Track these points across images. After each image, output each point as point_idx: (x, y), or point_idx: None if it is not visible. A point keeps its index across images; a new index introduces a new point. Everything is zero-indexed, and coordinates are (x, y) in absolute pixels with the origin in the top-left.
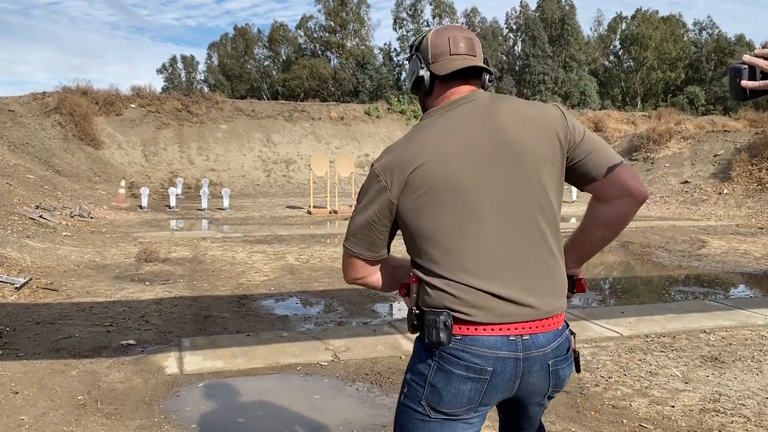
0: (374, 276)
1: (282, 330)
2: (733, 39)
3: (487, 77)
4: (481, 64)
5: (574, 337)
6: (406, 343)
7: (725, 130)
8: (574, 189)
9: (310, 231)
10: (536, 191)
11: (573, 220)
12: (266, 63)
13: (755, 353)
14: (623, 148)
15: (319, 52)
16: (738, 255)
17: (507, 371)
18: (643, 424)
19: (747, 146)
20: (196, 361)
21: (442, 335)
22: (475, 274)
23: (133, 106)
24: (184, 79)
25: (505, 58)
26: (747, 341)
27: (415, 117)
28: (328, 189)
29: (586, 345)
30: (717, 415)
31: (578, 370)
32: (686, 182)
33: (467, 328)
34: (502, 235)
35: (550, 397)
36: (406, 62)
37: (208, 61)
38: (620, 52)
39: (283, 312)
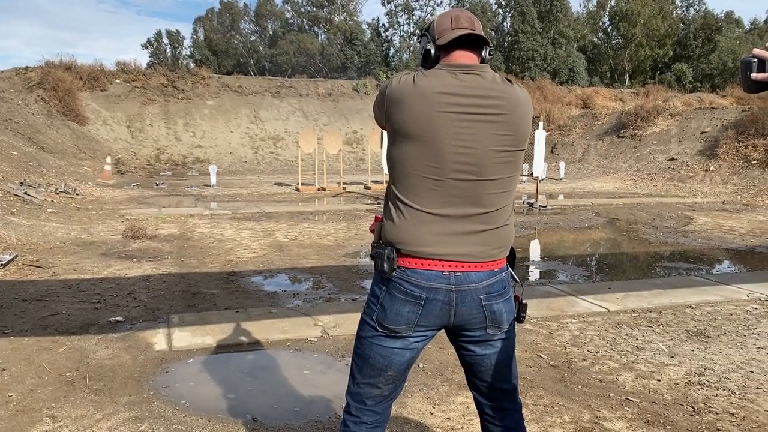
0: None
1: (271, 306)
2: (721, 15)
3: (487, 50)
4: (477, 32)
5: (519, 285)
6: None
7: (712, 108)
8: (562, 165)
9: (299, 208)
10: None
11: (561, 196)
12: (253, 38)
13: (740, 328)
14: (611, 125)
15: (307, 27)
16: (724, 231)
17: (439, 299)
18: (629, 398)
19: (734, 123)
20: (185, 338)
21: (386, 266)
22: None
23: (118, 81)
24: (169, 54)
25: (494, 34)
26: (732, 316)
27: None
28: (316, 166)
29: (573, 320)
30: (702, 388)
31: (520, 321)
32: (673, 159)
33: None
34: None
35: (492, 336)
36: (418, 43)
37: (194, 36)
38: (609, 29)
39: (272, 288)
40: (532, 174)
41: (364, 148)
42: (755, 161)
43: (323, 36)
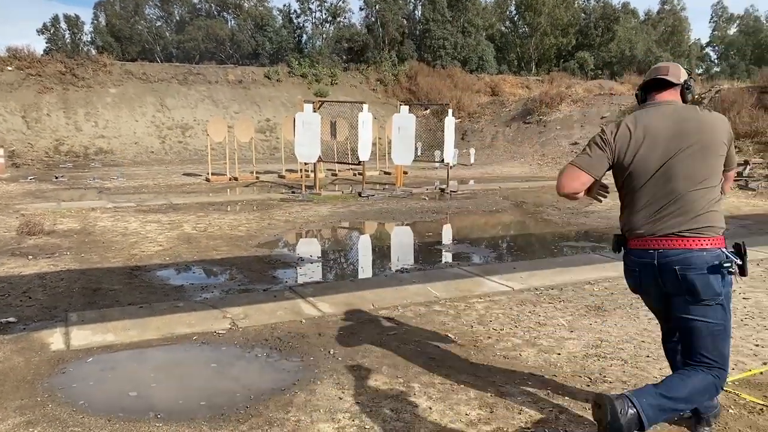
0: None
1: (177, 300)
2: (619, 6)
3: (681, 90)
4: (666, 78)
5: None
6: (307, 308)
7: (611, 94)
8: (472, 152)
9: (209, 199)
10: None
11: (472, 182)
12: (159, 24)
13: (633, 301)
14: (518, 112)
15: (215, 12)
16: None
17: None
18: (532, 372)
19: (630, 109)
20: (85, 336)
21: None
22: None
23: (9, 68)
24: (69, 40)
25: (405, 22)
26: (626, 290)
27: (316, 81)
28: (227, 155)
29: (480, 300)
30: (598, 359)
31: (743, 274)
32: (576, 143)
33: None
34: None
35: (695, 299)
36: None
37: (95, 22)
38: (516, 18)
39: (179, 282)
40: (443, 160)
41: (278, 137)
42: None
43: (233, 22)
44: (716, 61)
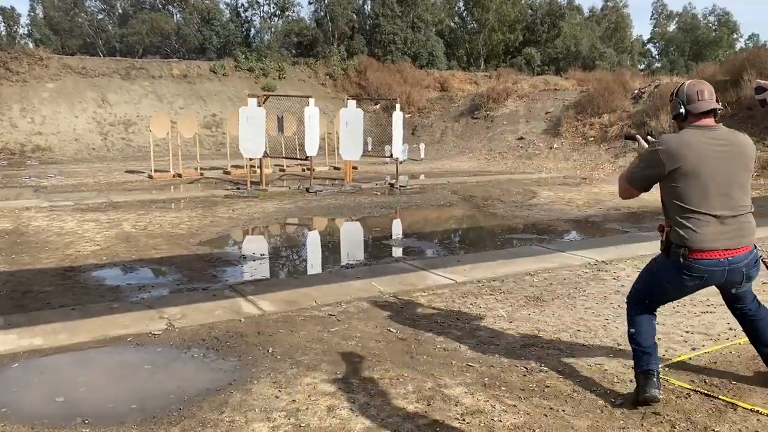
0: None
1: (113, 301)
2: (564, 3)
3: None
4: (717, 106)
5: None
6: (247, 306)
7: (556, 89)
8: (422, 147)
9: (151, 196)
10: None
11: (422, 176)
12: (100, 17)
13: (571, 291)
14: (466, 107)
15: (160, 5)
16: (563, 203)
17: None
18: (470, 363)
19: (573, 104)
20: (10, 340)
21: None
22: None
23: None
24: (3, 33)
25: (355, 17)
26: (565, 280)
27: (264, 75)
28: (170, 151)
29: (423, 293)
30: (535, 349)
31: None
32: (522, 138)
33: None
34: None
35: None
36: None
37: (32, 14)
38: (464, 14)
39: (115, 282)
40: (391, 155)
41: (224, 132)
42: (592, 138)
43: (179, 15)
44: (657, 56)
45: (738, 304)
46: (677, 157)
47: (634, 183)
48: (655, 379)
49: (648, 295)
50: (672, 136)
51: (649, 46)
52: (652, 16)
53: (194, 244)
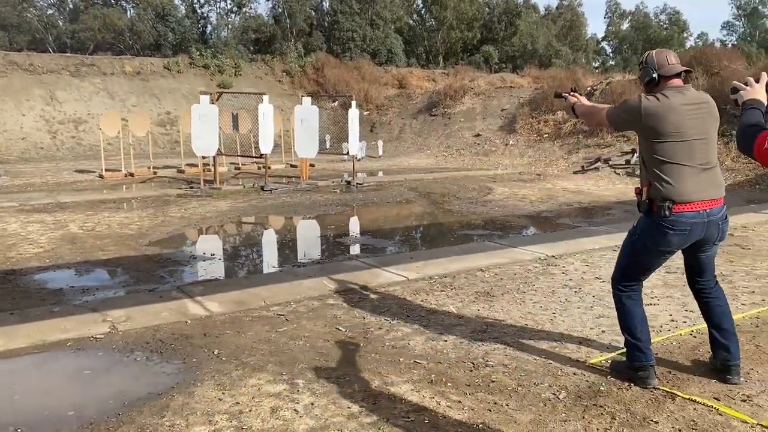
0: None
1: (54, 305)
2: (521, 1)
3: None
4: (688, 68)
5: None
6: (194, 308)
7: (512, 86)
8: (380, 144)
9: (101, 196)
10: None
11: (380, 173)
12: (50, 12)
13: (521, 286)
14: (424, 105)
15: (113, 1)
16: (517, 199)
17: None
18: (417, 361)
19: (528, 101)
20: None
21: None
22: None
23: None
24: None
25: (313, 13)
26: (515, 275)
27: (219, 72)
28: (122, 150)
29: (374, 291)
30: (482, 344)
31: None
32: (478, 135)
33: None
34: None
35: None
36: (639, 70)
37: None
38: (423, 11)
39: (57, 285)
40: (348, 153)
41: (179, 130)
42: (546, 135)
43: (132, 11)
44: (611, 54)
45: (700, 278)
46: (658, 116)
47: (611, 118)
48: (653, 371)
49: (633, 266)
50: (654, 97)
51: (604, 44)
52: (606, 14)
53: (143, 245)
